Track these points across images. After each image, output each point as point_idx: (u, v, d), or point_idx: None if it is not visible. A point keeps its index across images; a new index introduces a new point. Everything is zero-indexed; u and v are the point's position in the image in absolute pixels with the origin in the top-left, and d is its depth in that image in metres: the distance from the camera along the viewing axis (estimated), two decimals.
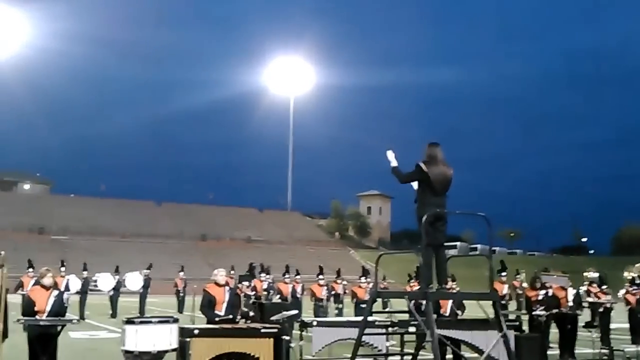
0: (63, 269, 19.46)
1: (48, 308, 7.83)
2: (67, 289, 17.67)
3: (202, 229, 68.50)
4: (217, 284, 9.12)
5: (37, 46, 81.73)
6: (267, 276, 17.24)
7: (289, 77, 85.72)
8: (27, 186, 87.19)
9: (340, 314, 17.09)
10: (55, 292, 8.04)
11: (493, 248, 8.24)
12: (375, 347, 9.20)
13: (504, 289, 16.05)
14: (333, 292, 17.38)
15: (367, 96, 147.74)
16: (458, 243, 74.92)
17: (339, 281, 17.87)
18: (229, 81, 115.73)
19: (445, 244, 7.46)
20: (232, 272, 19.06)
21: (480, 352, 7.51)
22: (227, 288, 9.10)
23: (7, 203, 65.33)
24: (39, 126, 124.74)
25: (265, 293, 15.80)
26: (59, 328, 7.92)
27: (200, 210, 74.83)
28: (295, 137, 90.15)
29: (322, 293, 15.58)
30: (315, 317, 13.57)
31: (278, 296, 15.52)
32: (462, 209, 8.04)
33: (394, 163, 7.40)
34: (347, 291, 18.60)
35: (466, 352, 8.23)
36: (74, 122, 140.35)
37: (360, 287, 15.48)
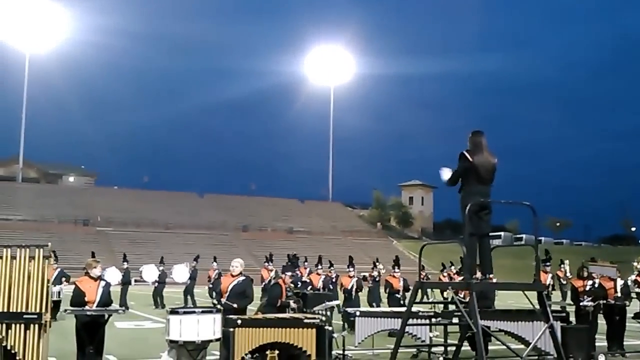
0: (54, 261, 18.82)
1: (97, 298, 8.08)
2: (59, 280, 17.13)
3: (244, 220, 69.27)
4: (232, 274, 9.21)
5: (79, 40, 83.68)
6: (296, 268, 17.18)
7: (329, 67, 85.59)
8: (72, 178, 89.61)
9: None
10: (103, 283, 8.28)
11: (539, 238, 8.11)
12: (419, 338, 9.21)
13: (547, 279, 15.86)
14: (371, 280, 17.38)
15: (409, 85, 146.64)
16: (502, 233, 73.87)
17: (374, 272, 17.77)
18: (269, 71, 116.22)
19: (490, 234, 7.40)
20: (266, 262, 19.14)
21: (527, 343, 7.44)
22: (239, 278, 9.15)
23: (53, 195, 67.32)
24: (83, 119, 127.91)
25: (292, 285, 15.76)
26: (106, 318, 8.16)
27: (242, 201, 75.63)
28: (336, 127, 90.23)
29: (350, 284, 15.58)
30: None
31: (309, 288, 15.57)
32: (507, 199, 7.94)
33: (446, 178, 7.32)
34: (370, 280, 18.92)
35: (512, 344, 8.15)
36: (116, 115, 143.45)
37: (394, 276, 15.41)
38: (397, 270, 15.70)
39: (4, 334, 7.29)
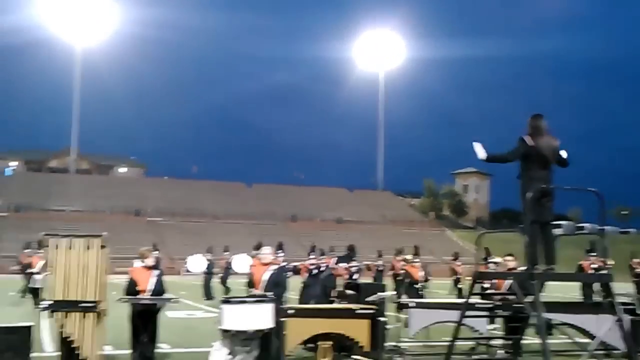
0: (42, 251, 19.20)
1: (150, 287, 8.28)
2: (45, 269, 17.88)
3: (292, 210, 69.68)
4: (262, 263, 9.23)
5: (126, 33, 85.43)
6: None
7: (379, 51, 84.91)
8: (122, 169, 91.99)
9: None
10: (156, 272, 8.47)
11: (604, 227, 7.86)
12: (477, 331, 9.09)
13: (589, 269, 15.52)
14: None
15: (462, 69, 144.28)
16: (564, 222, 72.11)
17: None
18: (317, 58, 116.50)
19: (552, 222, 7.22)
20: (312, 253, 19.19)
21: (592, 336, 7.24)
22: (272, 267, 9.17)
23: (104, 186, 69.24)
24: (132, 111, 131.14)
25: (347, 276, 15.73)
26: (159, 307, 8.35)
27: (290, 191, 76.06)
28: (386, 114, 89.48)
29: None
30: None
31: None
32: (569, 185, 7.72)
33: (481, 155, 7.15)
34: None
35: (577, 337, 7.96)
36: (164, 106, 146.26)
37: (413, 266, 15.20)
38: (416, 259, 15.46)
39: (62, 321, 7.57)
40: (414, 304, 9.14)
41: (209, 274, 21.97)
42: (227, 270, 22.25)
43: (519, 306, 8.08)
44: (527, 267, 6.91)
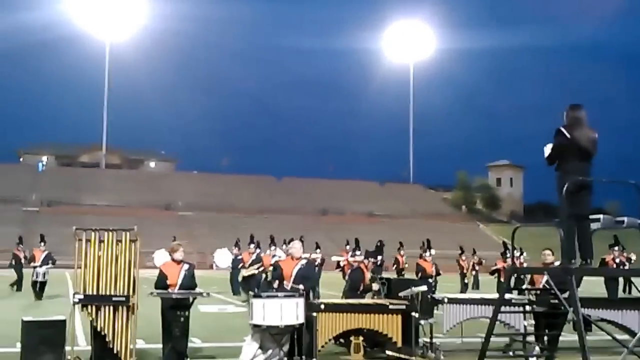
0: (42, 244, 19.70)
1: (179, 282, 8.36)
2: (45, 262, 18.72)
3: (322, 204, 69.82)
4: (293, 258, 9.24)
5: (154, 28, 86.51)
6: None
7: (408, 42, 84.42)
8: (153, 164, 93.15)
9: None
10: (186, 266, 8.55)
11: None
12: (512, 327, 8.99)
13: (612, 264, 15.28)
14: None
15: (494, 59, 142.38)
16: (601, 216, 70.84)
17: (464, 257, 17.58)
18: (346, 49, 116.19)
19: (590, 216, 7.09)
20: (348, 246, 19.20)
21: (632, 333, 7.11)
22: (302, 261, 9.18)
23: (135, 181, 70.31)
24: (161, 105, 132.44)
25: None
26: (190, 301, 8.43)
27: (320, 185, 76.19)
28: (416, 105, 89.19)
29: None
30: None
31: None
32: (608, 178, 7.58)
33: (546, 155, 7.06)
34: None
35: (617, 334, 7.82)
36: (193, 100, 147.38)
37: (425, 260, 15.06)
38: (428, 254, 15.34)
39: (93, 315, 7.69)
40: (447, 299, 9.08)
41: (234, 268, 21.57)
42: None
43: (555, 302, 7.98)
44: (562, 262, 6.81)
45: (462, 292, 21.07)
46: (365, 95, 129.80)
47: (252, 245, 18.88)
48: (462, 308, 9.01)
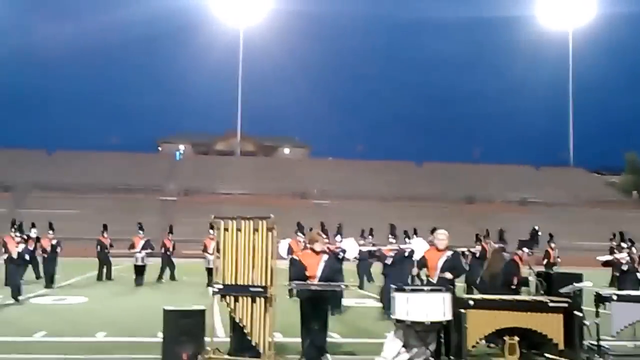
0: (141, 232, 21.85)
1: (319, 273, 8.49)
2: (144, 248, 21.10)
3: (468, 191, 68.34)
4: (438, 249, 9.25)
5: (282, 10, 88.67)
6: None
7: (566, 8, 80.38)
8: (287, 150, 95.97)
9: None
10: (326, 257, 8.67)
11: None
12: None
13: None
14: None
15: None
16: None
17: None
18: (497, 18, 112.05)
19: None
20: (485, 238, 18.67)
21: None
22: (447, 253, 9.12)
23: (270, 168, 72.76)
24: (294, 90, 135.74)
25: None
26: (329, 293, 8.54)
27: (465, 170, 74.61)
28: (576, 79, 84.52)
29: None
30: None
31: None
32: None
33: None
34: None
35: None
36: (328, 83, 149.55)
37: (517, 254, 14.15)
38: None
39: (232, 306, 8.01)
40: (616, 297, 8.55)
41: (363, 260, 21.14)
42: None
43: None
44: None
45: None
46: (518, 68, 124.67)
47: (390, 236, 18.72)
48: (634, 307, 8.48)
